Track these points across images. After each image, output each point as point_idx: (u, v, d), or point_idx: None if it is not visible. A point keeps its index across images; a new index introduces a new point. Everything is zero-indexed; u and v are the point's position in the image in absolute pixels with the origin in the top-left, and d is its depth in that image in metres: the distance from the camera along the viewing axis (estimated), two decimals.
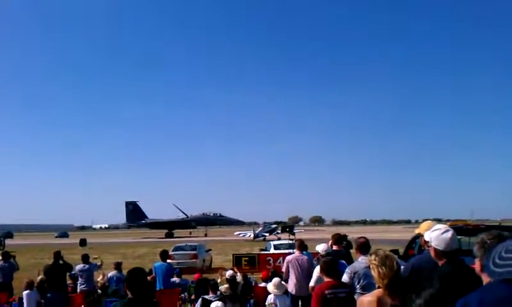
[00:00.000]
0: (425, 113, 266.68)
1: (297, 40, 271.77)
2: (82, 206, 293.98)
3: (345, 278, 6.07)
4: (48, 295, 11.06)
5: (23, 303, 11.25)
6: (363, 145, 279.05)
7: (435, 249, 4.01)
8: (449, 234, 3.96)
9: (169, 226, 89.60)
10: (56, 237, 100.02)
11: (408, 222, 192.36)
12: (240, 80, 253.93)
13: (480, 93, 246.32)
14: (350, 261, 8.11)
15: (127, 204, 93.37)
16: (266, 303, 9.55)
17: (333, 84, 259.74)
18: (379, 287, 3.84)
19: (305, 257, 9.93)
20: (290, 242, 19.06)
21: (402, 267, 4.50)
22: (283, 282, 9.77)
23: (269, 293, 9.58)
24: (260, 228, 64.99)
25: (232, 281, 10.34)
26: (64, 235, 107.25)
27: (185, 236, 74.69)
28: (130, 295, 4.55)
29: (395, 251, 10.86)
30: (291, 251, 13.55)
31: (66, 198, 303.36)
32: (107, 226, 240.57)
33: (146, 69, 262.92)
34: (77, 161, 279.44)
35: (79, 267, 12.43)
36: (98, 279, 13.23)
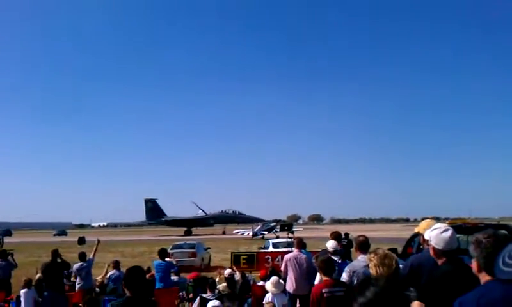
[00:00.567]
0: (424, 112, 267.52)
1: (297, 40, 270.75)
2: (81, 204, 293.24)
3: (344, 277, 6.06)
4: (46, 293, 11.02)
5: (20, 302, 11.21)
6: (363, 144, 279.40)
7: (434, 248, 4.00)
8: (449, 233, 3.95)
9: (188, 224, 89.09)
10: (55, 235, 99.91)
11: (407, 220, 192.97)
12: (247, 78, 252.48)
13: (480, 93, 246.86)
14: (349, 259, 8.13)
15: (146, 201, 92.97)
16: (264, 302, 9.51)
17: (332, 83, 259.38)
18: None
19: (304, 255, 9.90)
20: (289, 240, 19.03)
21: (401, 265, 4.50)
22: (281, 280, 9.75)
23: (267, 292, 9.56)
24: (259, 226, 64.93)
25: (230, 279, 10.34)
26: (62, 233, 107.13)
27: (204, 234, 74.85)
28: (128, 294, 4.54)
29: (394, 250, 10.82)
30: (290, 249, 13.52)
31: (65, 196, 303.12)
32: (105, 224, 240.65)
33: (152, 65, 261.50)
34: (79, 159, 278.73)
35: (76, 265, 12.36)
36: (97, 278, 13.24)
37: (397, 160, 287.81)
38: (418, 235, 5.40)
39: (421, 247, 5.53)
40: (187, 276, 13.98)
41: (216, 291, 9.80)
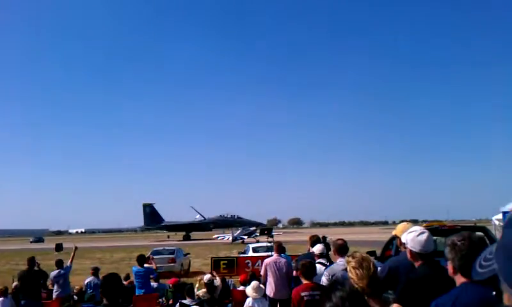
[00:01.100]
0: (399, 116, 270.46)
1: (297, 40, 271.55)
2: (58, 211, 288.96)
3: (323, 280, 6.08)
4: (23, 302, 10.81)
5: None
6: (340, 148, 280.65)
7: (411, 251, 4.04)
8: (424, 236, 4.00)
9: (187, 229, 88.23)
10: (31, 242, 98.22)
11: (385, 223, 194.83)
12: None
13: (475, 99, 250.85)
14: (329, 262, 8.15)
15: (145, 206, 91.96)
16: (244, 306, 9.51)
17: (311, 92, 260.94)
18: (357, 289, 3.86)
19: (283, 260, 9.89)
20: (269, 244, 19.05)
21: (379, 268, 4.53)
22: (261, 285, 9.73)
23: (248, 297, 9.54)
24: (239, 231, 64.74)
25: (209, 284, 10.28)
26: (39, 239, 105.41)
27: (203, 238, 74.60)
28: (105, 302, 4.48)
29: (373, 253, 10.94)
30: (270, 253, 13.53)
31: (42, 203, 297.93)
32: (83, 230, 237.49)
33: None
34: (55, 164, 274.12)
35: (53, 273, 12.10)
36: (75, 286, 13.05)
37: (375, 163, 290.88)
38: (395, 238, 5.45)
39: (399, 250, 5.59)
40: (167, 282, 13.87)
41: (196, 296, 9.75)
